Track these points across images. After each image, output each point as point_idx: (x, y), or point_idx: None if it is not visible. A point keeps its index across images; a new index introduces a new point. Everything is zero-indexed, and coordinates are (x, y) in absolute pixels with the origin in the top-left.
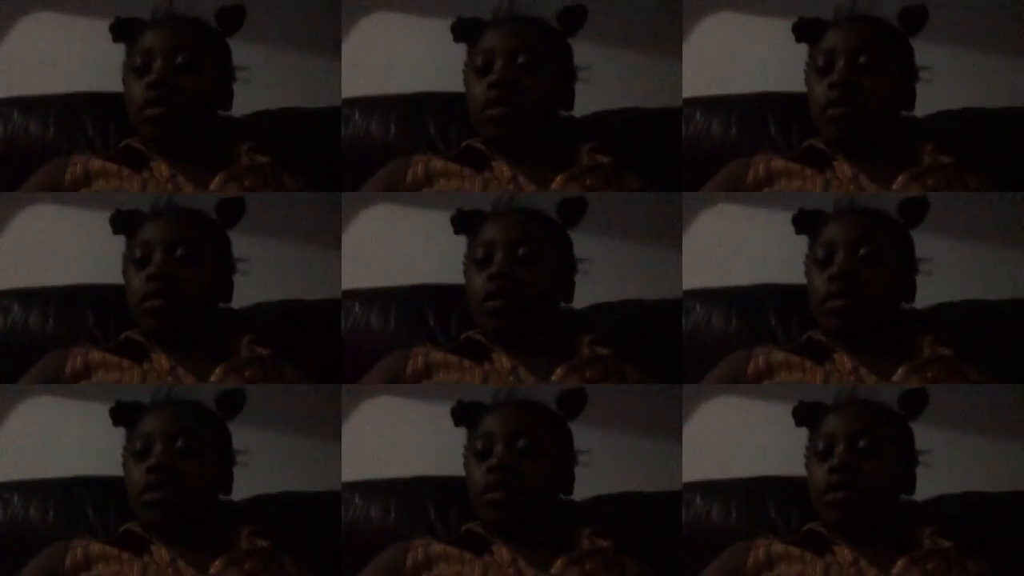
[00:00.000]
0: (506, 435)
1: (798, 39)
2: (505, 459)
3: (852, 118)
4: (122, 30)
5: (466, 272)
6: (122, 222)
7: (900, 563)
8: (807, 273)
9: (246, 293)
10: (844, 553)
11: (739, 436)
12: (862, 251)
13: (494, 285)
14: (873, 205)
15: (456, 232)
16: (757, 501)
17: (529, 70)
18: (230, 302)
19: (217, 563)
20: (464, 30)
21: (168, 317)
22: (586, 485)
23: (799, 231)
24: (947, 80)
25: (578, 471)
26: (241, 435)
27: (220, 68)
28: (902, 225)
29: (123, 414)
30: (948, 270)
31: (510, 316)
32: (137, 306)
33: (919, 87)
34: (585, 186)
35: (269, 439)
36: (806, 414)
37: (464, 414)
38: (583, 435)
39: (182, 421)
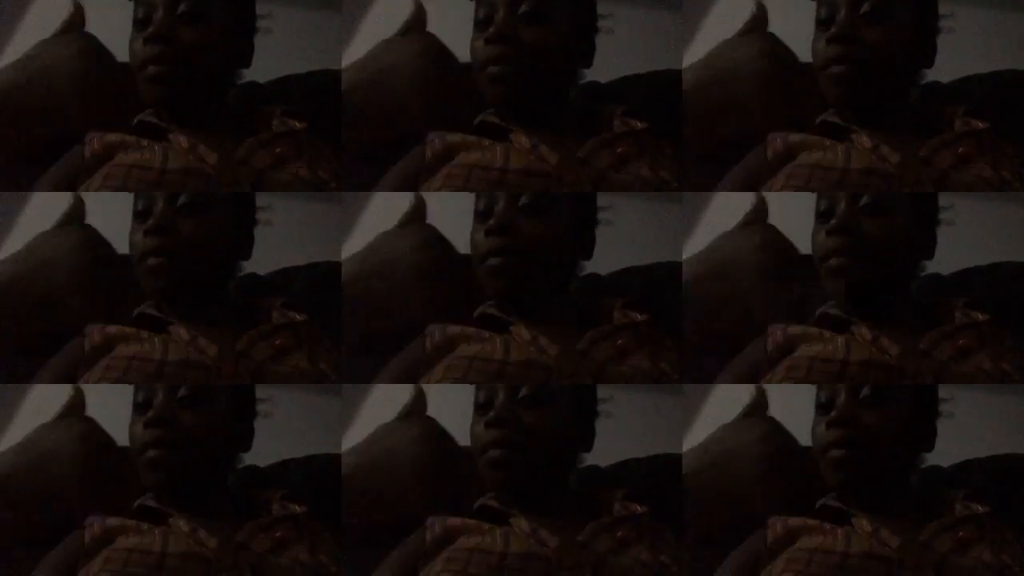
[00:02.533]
0: (508, 386)
1: None
2: (505, 413)
3: (855, 78)
4: None
5: (471, 234)
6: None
7: (929, 528)
8: (812, 237)
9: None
10: (863, 524)
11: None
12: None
13: (493, 241)
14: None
15: None
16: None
17: (534, 20)
18: (248, 258)
19: (244, 530)
20: None
21: (173, 276)
22: (612, 448)
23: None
24: (970, 41)
25: (600, 428)
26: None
27: (235, 17)
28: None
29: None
30: (972, 230)
31: (514, 275)
32: (139, 265)
33: (940, 49)
34: (616, 154)
35: (290, 398)
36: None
37: None
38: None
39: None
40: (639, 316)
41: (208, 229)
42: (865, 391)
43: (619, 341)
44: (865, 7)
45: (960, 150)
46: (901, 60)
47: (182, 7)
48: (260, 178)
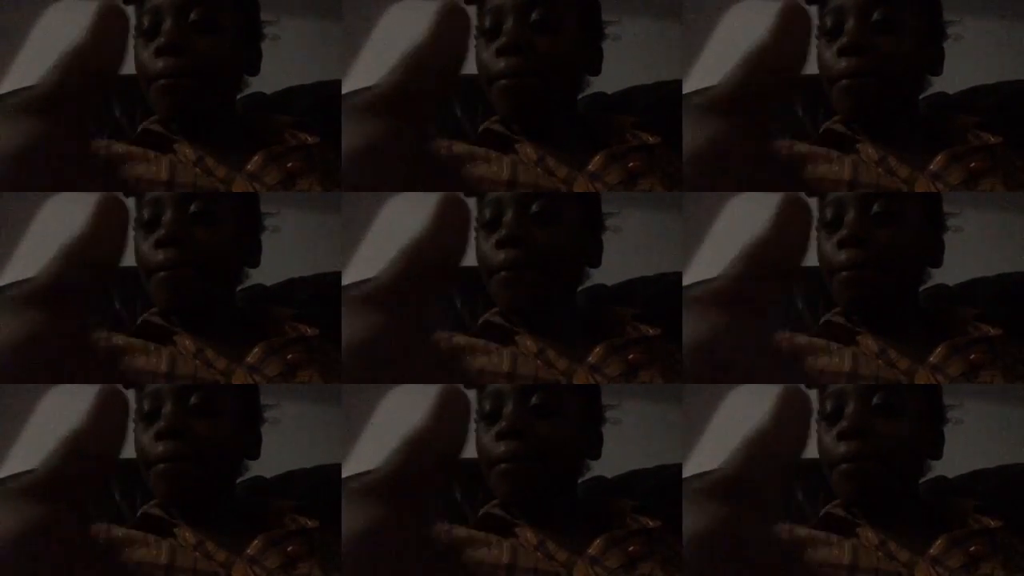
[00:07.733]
0: (516, 395)
1: (808, 1)
2: (517, 424)
3: (870, 89)
4: None
5: (476, 243)
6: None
7: (939, 543)
8: (818, 246)
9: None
10: (869, 536)
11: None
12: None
13: (506, 253)
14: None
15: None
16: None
17: (546, 28)
18: (257, 265)
19: (256, 543)
20: None
21: (185, 285)
22: (621, 458)
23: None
24: (977, 51)
25: (608, 436)
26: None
27: (243, 24)
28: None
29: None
30: (979, 239)
31: (527, 286)
32: (148, 278)
33: (947, 59)
34: (628, 169)
35: (295, 406)
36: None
37: None
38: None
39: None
40: (651, 330)
41: (221, 236)
42: (877, 399)
43: (630, 356)
44: (876, 15)
45: (972, 165)
46: (913, 68)
47: (193, 15)
48: (271, 193)
